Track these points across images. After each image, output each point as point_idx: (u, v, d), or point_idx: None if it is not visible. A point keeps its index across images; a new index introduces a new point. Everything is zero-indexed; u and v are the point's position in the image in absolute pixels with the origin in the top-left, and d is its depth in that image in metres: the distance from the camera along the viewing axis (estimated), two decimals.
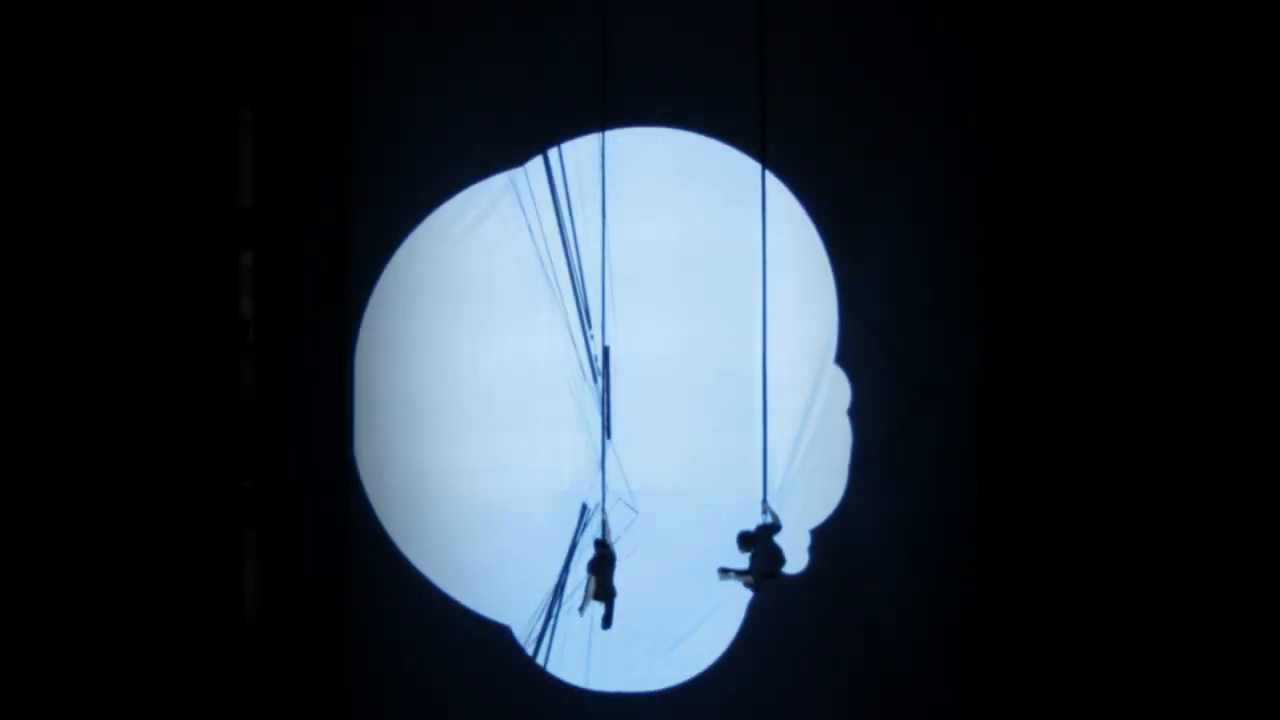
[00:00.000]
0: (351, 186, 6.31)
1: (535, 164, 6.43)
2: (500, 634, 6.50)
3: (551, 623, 6.52)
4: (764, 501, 6.07)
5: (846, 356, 6.53)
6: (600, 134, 6.29)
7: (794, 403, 6.48)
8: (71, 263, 5.87)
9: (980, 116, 6.44)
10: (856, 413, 6.51)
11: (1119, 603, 6.30)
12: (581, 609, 6.20)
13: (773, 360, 6.35)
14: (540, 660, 6.53)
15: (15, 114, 5.79)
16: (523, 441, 6.47)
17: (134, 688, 5.95)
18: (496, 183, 6.42)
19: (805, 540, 6.51)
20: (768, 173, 6.34)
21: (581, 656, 6.52)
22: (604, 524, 6.13)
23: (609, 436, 6.32)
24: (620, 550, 6.19)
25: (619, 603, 6.12)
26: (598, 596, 6.09)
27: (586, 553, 6.25)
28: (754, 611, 6.50)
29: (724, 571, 6.08)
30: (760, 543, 5.99)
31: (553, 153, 6.43)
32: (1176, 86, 6.27)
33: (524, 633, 6.53)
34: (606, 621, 6.14)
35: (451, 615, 6.48)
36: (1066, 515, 6.39)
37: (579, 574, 6.30)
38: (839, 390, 6.53)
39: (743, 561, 6.00)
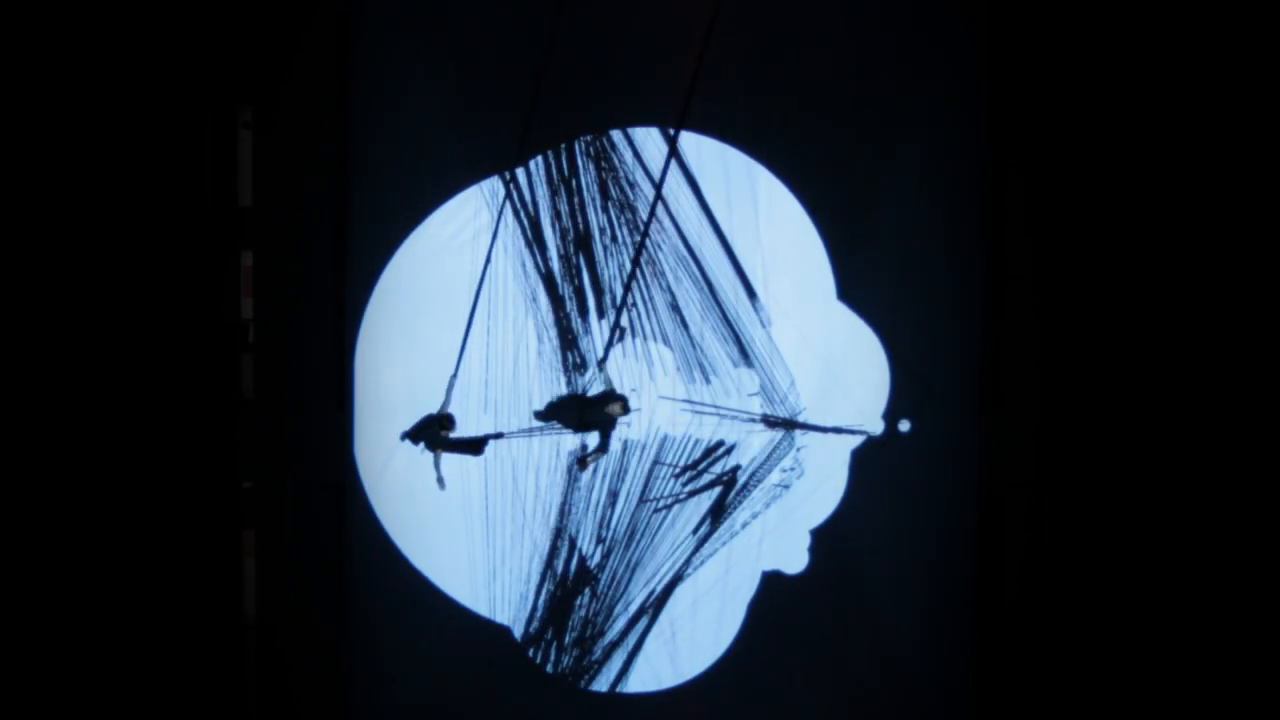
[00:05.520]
0: (351, 186, 6.33)
1: (535, 164, 6.43)
2: (500, 634, 6.51)
3: (551, 623, 6.52)
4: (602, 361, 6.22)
5: (847, 357, 6.52)
6: (602, 135, 6.30)
7: (794, 402, 6.48)
8: (70, 263, 5.89)
9: (981, 115, 6.44)
10: (856, 413, 6.50)
11: (1119, 602, 6.29)
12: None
13: (773, 359, 6.38)
14: (540, 661, 6.53)
15: (12, 113, 5.80)
16: (523, 440, 6.47)
17: (133, 687, 5.96)
18: (495, 183, 6.43)
19: (805, 540, 6.51)
20: (768, 173, 6.36)
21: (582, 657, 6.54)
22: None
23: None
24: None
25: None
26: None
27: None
28: (754, 611, 6.50)
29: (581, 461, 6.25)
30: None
31: (551, 154, 6.43)
32: (1179, 87, 6.26)
33: (524, 633, 6.53)
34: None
35: (451, 615, 6.49)
36: (1066, 515, 6.39)
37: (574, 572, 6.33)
38: (839, 390, 6.52)
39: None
